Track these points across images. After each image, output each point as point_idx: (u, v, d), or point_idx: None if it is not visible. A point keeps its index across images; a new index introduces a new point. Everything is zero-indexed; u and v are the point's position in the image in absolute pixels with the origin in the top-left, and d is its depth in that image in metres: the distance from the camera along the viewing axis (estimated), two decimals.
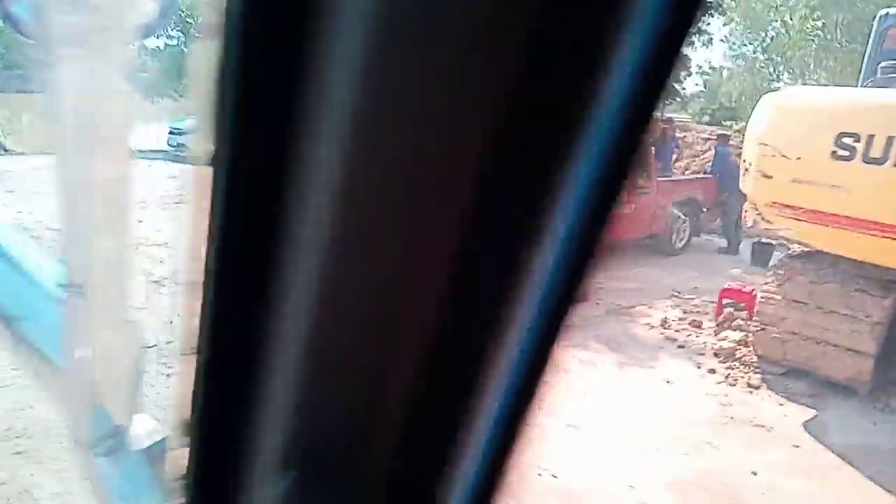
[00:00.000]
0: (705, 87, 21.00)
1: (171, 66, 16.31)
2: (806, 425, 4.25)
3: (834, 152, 4.10)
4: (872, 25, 6.20)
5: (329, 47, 0.28)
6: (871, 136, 3.94)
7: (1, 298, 1.31)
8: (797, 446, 4.00)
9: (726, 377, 4.86)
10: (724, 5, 16.65)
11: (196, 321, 0.37)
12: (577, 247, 0.34)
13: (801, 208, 4.31)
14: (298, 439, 0.38)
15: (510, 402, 0.39)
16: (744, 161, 5.29)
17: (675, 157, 10.32)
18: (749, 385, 4.74)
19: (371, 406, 0.37)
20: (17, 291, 1.32)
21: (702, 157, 11.85)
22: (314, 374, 0.36)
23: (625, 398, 4.45)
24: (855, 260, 4.34)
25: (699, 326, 5.86)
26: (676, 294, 6.83)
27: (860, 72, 6.08)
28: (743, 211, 8.50)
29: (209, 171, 0.33)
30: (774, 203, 4.45)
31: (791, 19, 13.43)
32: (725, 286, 6.05)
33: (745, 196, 7.16)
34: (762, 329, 4.90)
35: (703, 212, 8.86)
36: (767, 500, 3.44)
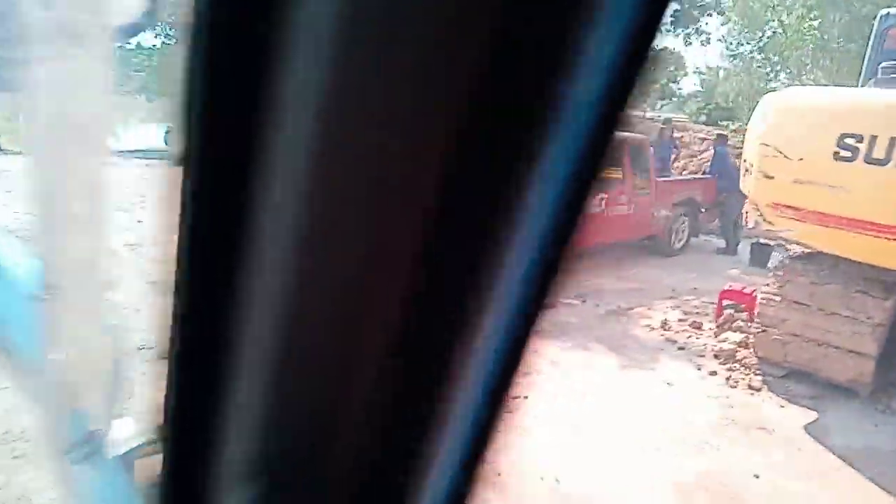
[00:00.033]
0: (702, 87, 21.05)
1: (169, 65, 16.21)
2: (807, 427, 4.24)
3: (836, 153, 4.08)
4: (872, 25, 6.20)
5: (294, 45, 0.28)
6: (874, 137, 3.93)
7: None
8: (799, 448, 4.00)
9: (727, 379, 4.85)
10: (723, 5, 16.68)
11: (167, 322, 0.37)
12: (548, 247, 0.34)
13: (803, 209, 4.29)
14: (265, 442, 0.38)
15: (480, 403, 0.38)
16: (744, 161, 5.27)
17: (673, 157, 10.32)
18: (750, 387, 4.72)
19: (335, 406, 0.36)
20: None
21: (699, 158, 11.86)
22: (279, 375, 0.36)
23: (626, 400, 4.43)
24: (856, 261, 4.33)
25: (699, 328, 5.84)
26: (676, 295, 6.81)
27: (860, 72, 6.07)
28: (742, 211, 8.56)
29: (178, 168, 0.33)
30: (776, 204, 4.43)
31: (788, 19, 13.44)
32: (725, 287, 6.03)
33: (743, 196, 7.18)
34: (763, 331, 4.89)
35: (701, 212, 8.86)
36: (769, 502, 3.43)
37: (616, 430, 4.00)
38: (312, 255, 0.31)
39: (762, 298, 4.97)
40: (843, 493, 3.56)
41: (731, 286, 6.06)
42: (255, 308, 0.34)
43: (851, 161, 4.02)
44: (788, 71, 14.54)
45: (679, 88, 23.79)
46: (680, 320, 6.04)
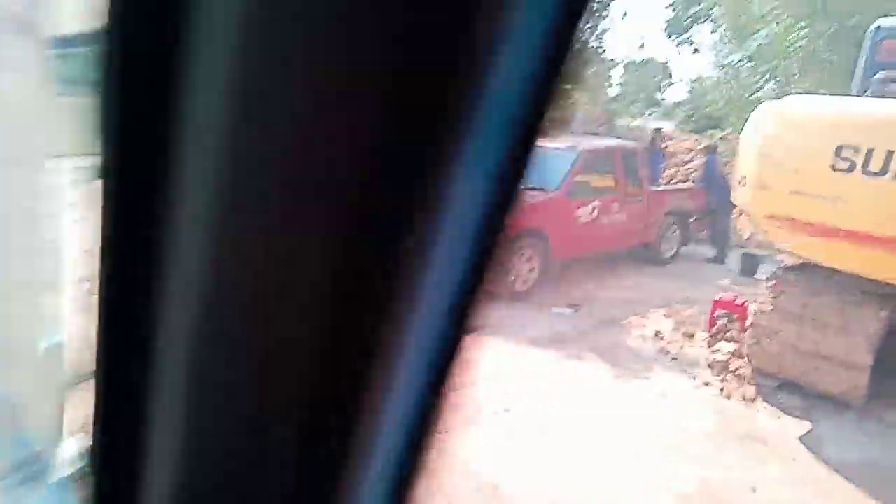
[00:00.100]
0: (691, 96, 21.20)
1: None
2: (802, 439, 4.23)
3: (833, 164, 4.08)
4: (862, 36, 6.24)
5: (202, 47, 0.28)
6: (871, 149, 3.93)
7: None
8: (794, 459, 3.99)
9: (721, 390, 4.83)
10: (714, 14, 16.81)
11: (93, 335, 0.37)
12: (476, 242, 0.34)
13: (800, 220, 4.29)
14: (188, 457, 0.37)
15: (414, 405, 0.38)
16: (738, 172, 5.28)
17: (664, 166, 10.36)
18: (744, 398, 4.71)
19: (258, 414, 0.35)
20: None
21: (686, 167, 11.89)
22: (200, 384, 0.35)
23: (622, 411, 4.40)
24: (849, 273, 4.33)
25: (692, 337, 5.83)
26: (668, 304, 6.81)
27: (852, 82, 6.09)
28: (731, 221, 8.58)
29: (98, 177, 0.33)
30: (773, 215, 4.42)
31: (776, 29, 13.53)
32: (718, 297, 6.03)
33: (733, 206, 7.19)
34: (757, 342, 4.88)
35: (691, 221, 8.88)
36: None
37: (614, 441, 3.98)
38: (229, 256, 0.31)
39: (756, 309, 4.97)
40: (838, 502, 3.57)
41: (723, 296, 6.06)
42: (174, 316, 0.34)
43: (849, 172, 4.02)
44: (777, 80, 14.64)
45: (663, 98, 24.00)
46: (672, 330, 6.03)
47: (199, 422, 0.36)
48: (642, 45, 26.64)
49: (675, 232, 8.62)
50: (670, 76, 24.33)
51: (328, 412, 0.34)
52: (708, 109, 17.21)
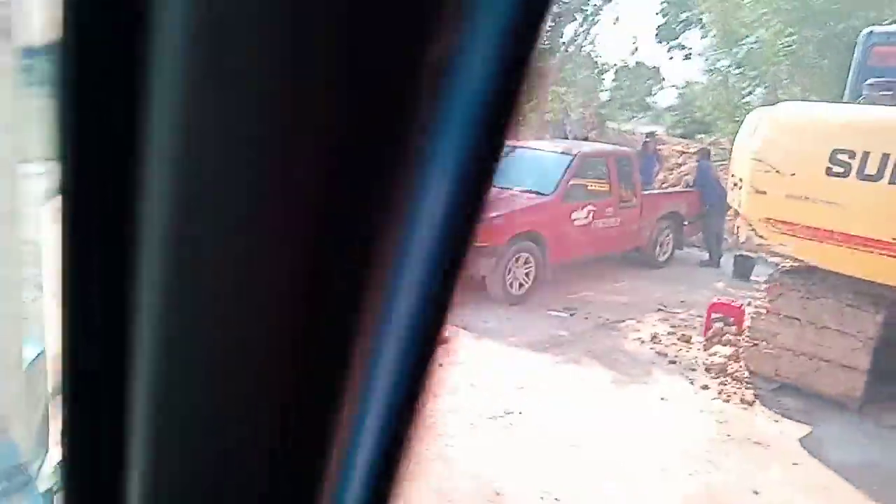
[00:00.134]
0: (681, 101, 21.31)
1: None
2: (802, 441, 4.26)
3: (829, 168, 4.11)
4: (854, 42, 6.31)
5: (161, 49, 0.28)
6: (867, 154, 3.97)
7: None
8: (795, 462, 4.01)
9: (720, 393, 4.85)
10: (704, 20, 16.92)
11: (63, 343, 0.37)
12: (444, 246, 0.33)
13: (796, 224, 4.32)
14: (159, 462, 0.37)
15: (385, 409, 0.37)
16: (733, 176, 5.31)
17: (657, 170, 10.40)
18: (743, 401, 4.73)
19: (226, 418, 0.35)
20: None
21: (677, 171, 11.95)
22: (166, 387, 0.34)
23: (622, 415, 4.41)
24: (846, 275, 4.36)
25: (688, 341, 5.85)
26: (664, 308, 6.83)
27: (844, 88, 6.15)
28: (725, 224, 8.62)
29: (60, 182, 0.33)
30: (769, 219, 4.46)
31: (765, 35, 13.63)
32: (714, 300, 6.06)
33: (726, 210, 7.22)
34: (754, 345, 4.91)
35: (685, 225, 8.93)
36: None
37: (615, 445, 3.98)
38: (189, 257, 0.31)
39: (753, 312, 4.99)
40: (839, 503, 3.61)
41: (718, 299, 6.09)
42: (138, 319, 0.33)
43: (844, 177, 4.06)
44: (766, 85, 14.76)
45: (654, 102, 24.10)
46: (669, 333, 6.05)
47: (167, 425, 0.36)
48: (634, 51, 26.63)
49: (668, 236, 8.66)
50: (661, 81, 24.43)
51: (297, 414, 0.34)
52: (698, 114, 17.33)
